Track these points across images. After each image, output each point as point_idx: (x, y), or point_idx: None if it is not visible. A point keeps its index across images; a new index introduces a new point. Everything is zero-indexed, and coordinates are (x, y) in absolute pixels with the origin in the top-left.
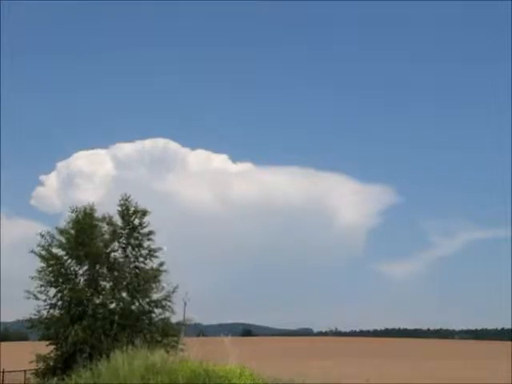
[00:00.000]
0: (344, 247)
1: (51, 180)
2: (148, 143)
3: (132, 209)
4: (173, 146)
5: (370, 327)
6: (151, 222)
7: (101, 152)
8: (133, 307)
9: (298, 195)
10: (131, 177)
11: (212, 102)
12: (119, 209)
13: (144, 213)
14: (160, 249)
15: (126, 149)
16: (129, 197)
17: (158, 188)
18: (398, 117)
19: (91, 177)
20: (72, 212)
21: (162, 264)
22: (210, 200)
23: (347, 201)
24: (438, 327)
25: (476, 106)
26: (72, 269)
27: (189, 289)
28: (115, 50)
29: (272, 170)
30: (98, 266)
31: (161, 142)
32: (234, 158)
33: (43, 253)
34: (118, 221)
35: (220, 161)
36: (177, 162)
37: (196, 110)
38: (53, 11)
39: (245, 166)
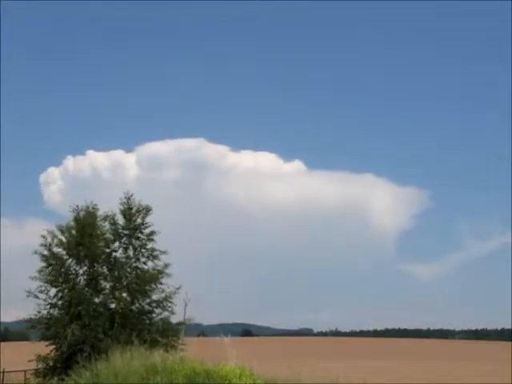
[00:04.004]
0: (371, 249)
1: (68, 181)
2: (178, 143)
3: (134, 208)
4: (205, 145)
5: (370, 327)
6: (168, 222)
7: (131, 152)
8: (133, 307)
9: (332, 197)
10: (159, 178)
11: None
12: (121, 207)
13: (147, 211)
14: (163, 252)
15: (154, 149)
16: (131, 195)
17: (185, 188)
18: (433, 120)
19: (117, 178)
20: (72, 211)
21: (166, 266)
22: (237, 200)
23: (382, 203)
24: (438, 327)
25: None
26: (72, 268)
27: (189, 288)
28: (135, 48)
29: (307, 173)
30: (98, 266)
31: (193, 142)
32: (267, 159)
33: (45, 252)
34: (121, 220)
35: (254, 161)
36: (210, 162)
37: (230, 109)
38: (58, 9)
39: (280, 168)
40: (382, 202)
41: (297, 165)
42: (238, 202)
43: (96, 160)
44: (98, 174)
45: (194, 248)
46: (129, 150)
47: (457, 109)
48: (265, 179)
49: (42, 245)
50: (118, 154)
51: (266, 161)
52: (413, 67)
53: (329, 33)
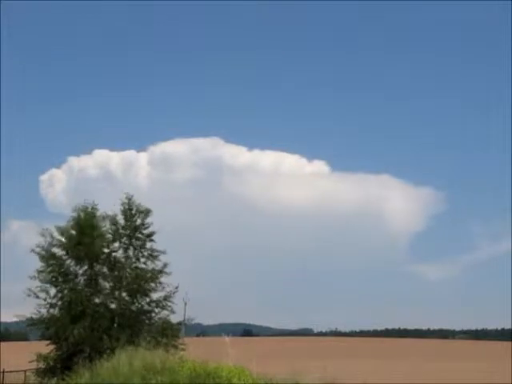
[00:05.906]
0: (383, 250)
1: (76, 181)
2: (193, 143)
3: (134, 208)
4: (221, 145)
5: (370, 327)
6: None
7: (143, 152)
8: (133, 307)
9: (349, 198)
10: (170, 178)
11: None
12: (122, 208)
13: (147, 213)
14: (162, 252)
15: (166, 149)
16: (132, 196)
17: (196, 187)
18: (450, 122)
19: (129, 178)
20: (74, 211)
21: (165, 265)
22: (248, 199)
23: (398, 204)
24: (438, 327)
25: None
26: (72, 269)
27: (190, 288)
28: (146, 47)
29: (326, 174)
30: (98, 266)
31: (208, 142)
32: (279, 160)
33: (43, 253)
34: (121, 220)
35: (273, 161)
36: (226, 162)
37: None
38: (59, 9)
39: (301, 169)
40: (398, 202)
41: (319, 166)
42: (249, 201)
43: (108, 159)
44: (110, 174)
45: (196, 248)
46: (140, 149)
47: (473, 112)
48: (284, 180)
49: (38, 246)
50: (130, 154)
51: (287, 161)
52: (431, 69)
53: (350, 33)
